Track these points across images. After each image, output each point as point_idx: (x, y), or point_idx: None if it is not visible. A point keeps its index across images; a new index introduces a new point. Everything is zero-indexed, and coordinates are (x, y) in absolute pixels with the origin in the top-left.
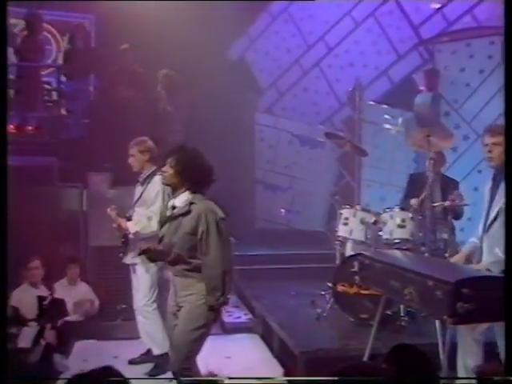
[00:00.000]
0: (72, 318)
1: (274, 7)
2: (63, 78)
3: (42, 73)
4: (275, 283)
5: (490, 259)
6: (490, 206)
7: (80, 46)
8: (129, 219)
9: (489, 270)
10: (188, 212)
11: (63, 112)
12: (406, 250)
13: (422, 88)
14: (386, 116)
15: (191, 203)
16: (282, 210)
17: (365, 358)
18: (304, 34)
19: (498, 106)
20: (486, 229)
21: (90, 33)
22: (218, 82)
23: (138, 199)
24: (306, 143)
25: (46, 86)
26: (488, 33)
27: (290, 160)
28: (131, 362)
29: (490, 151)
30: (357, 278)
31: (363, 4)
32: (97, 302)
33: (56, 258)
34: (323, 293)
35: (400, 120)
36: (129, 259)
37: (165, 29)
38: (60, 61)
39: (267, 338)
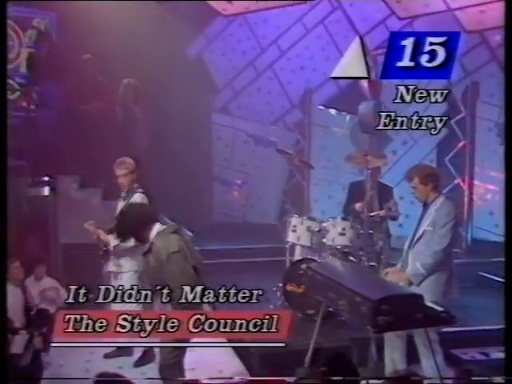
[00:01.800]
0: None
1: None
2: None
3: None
4: (231, 277)
5: (413, 272)
6: (417, 228)
7: (45, 52)
8: (110, 232)
9: (409, 280)
10: (149, 251)
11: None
12: (346, 253)
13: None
14: (333, 113)
15: (151, 242)
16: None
17: (309, 352)
18: (258, 38)
19: (433, 114)
20: (412, 246)
21: (52, 37)
22: (176, 82)
23: None
24: (260, 142)
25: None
26: None
27: (245, 158)
28: (106, 356)
29: (413, 193)
30: (303, 280)
31: (313, 12)
32: (62, 291)
33: (27, 257)
34: (275, 289)
35: (345, 124)
36: (111, 267)
37: (123, 31)
38: (22, 56)
39: None
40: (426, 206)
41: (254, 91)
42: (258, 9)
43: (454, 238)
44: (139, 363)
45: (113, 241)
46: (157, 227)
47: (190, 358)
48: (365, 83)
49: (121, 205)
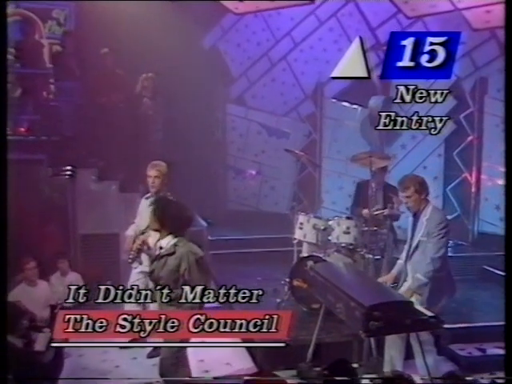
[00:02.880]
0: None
1: None
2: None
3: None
4: (244, 267)
5: (416, 284)
6: (411, 238)
7: (67, 50)
8: (142, 233)
9: (417, 293)
10: (173, 253)
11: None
12: (351, 249)
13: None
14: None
15: (175, 245)
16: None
17: (311, 348)
18: (272, 29)
19: (441, 110)
20: (410, 256)
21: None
22: (193, 73)
23: None
24: (273, 133)
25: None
26: None
27: (258, 148)
28: (122, 347)
29: (406, 203)
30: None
31: (326, 5)
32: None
33: (48, 252)
34: (283, 282)
35: (357, 116)
36: (144, 267)
37: (139, 23)
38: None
39: None
40: (415, 216)
41: (268, 81)
42: (267, 8)
43: (447, 245)
44: (152, 354)
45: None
46: (170, 237)
47: (199, 350)
48: (375, 77)
49: (145, 204)
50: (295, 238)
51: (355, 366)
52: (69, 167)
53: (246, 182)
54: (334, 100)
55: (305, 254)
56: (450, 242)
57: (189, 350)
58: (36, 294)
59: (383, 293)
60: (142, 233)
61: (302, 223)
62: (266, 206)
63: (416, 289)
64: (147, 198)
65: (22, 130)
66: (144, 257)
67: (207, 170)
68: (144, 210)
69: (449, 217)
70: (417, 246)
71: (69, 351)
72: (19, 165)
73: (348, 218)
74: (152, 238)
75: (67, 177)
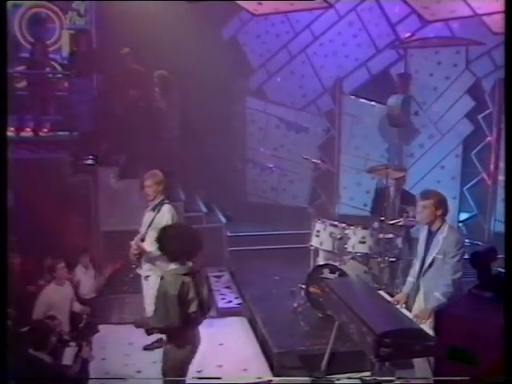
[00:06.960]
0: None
1: None
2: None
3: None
4: (262, 265)
5: (436, 304)
6: (425, 254)
7: (84, 49)
8: (142, 239)
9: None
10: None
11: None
12: (367, 257)
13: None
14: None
15: (161, 277)
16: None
17: (325, 357)
18: (292, 22)
19: (460, 110)
20: (423, 273)
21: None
22: (212, 65)
23: (151, 223)
24: (292, 128)
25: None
26: (455, 43)
27: (277, 142)
28: (146, 348)
29: (420, 212)
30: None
31: None
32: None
33: (72, 248)
34: (299, 286)
35: (374, 113)
36: (144, 272)
37: (158, 14)
38: (64, 38)
39: (253, 323)
40: (431, 232)
41: (287, 74)
42: (286, 10)
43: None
44: (149, 347)
45: (148, 247)
46: (173, 265)
47: (218, 355)
48: (395, 75)
49: (149, 215)
50: (312, 245)
51: (368, 374)
52: (90, 161)
53: (265, 176)
54: (352, 96)
55: (321, 262)
56: (467, 241)
57: (208, 354)
58: (64, 292)
59: (395, 318)
60: (142, 239)
61: (318, 231)
62: (285, 200)
63: (435, 308)
64: (152, 209)
65: (45, 130)
66: (143, 261)
67: (226, 163)
68: (145, 219)
69: (465, 215)
70: (431, 264)
71: (92, 354)
72: (43, 164)
73: (364, 227)
74: (147, 242)
75: (88, 174)
